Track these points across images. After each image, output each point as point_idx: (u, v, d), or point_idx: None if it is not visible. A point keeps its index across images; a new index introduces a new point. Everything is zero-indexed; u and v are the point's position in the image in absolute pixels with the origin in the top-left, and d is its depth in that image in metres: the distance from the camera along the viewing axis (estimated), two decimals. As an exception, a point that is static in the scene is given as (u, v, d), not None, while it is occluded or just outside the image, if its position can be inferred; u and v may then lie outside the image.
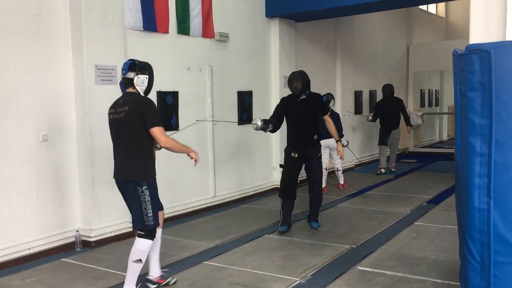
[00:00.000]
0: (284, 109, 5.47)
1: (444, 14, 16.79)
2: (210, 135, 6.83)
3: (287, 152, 5.58)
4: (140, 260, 3.67)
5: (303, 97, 5.39)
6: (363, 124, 10.67)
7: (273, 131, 5.40)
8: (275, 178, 8.00)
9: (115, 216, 5.35)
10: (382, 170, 9.47)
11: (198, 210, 6.61)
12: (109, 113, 3.81)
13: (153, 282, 3.97)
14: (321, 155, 5.64)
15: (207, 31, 6.72)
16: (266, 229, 5.70)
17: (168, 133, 4.15)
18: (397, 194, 7.56)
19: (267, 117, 5.63)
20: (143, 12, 5.75)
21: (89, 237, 5.17)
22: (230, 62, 7.18)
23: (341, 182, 8.14)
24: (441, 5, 16.44)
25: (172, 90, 6.24)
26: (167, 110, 6.14)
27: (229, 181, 7.21)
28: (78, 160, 5.23)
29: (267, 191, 7.88)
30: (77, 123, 5.19)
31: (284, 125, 5.62)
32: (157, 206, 3.79)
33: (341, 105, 9.72)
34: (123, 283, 3.78)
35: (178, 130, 6.11)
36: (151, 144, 3.76)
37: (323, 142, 6.49)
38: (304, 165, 5.63)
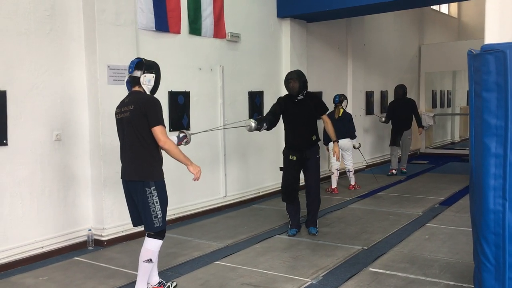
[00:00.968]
0: (282, 108, 5.28)
1: (457, 14, 16.67)
2: (221, 135, 6.84)
3: (285, 154, 5.38)
4: (151, 260, 3.67)
5: (300, 97, 5.23)
6: (375, 124, 10.62)
7: (268, 129, 5.11)
8: (285, 178, 7.98)
9: (127, 215, 5.27)
10: (394, 171, 9.42)
11: (209, 210, 6.63)
12: (116, 113, 3.77)
13: None
14: (319, 156, 5.46)
15: (219, 31, 6.74)
16: (277, 230, 5.70)
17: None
18: (408, 195, 7.50)
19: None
20: (155, 12, 5.79)
21: (101, 236, 5.21)
22: (241, 62, 7.19)
23: (352, 183, 8.12)
24: (454, 5, 16.31)
25: (184, 90, 6.26)
26: (178, 110, 6.17)
27: (239, 181, 7.23)
28: (91, 159, 5.27)
29: (277, 192, 7.81)
30: (90, 122, 5.23)
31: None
32: (166, 206, 3.74)
33: (352, 105, 9.67)
34: (134, 282, 3.80)
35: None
36: (158, 144, 3.64)
37: None
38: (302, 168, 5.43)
